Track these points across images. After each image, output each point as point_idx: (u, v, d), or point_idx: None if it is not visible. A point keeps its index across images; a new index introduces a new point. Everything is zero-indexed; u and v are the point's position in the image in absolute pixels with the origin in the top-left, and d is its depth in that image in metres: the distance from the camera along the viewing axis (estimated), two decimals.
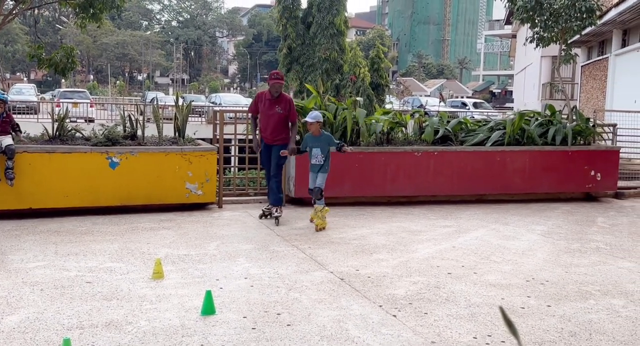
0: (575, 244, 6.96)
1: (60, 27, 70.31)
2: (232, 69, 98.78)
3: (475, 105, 36.51)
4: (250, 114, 8.14)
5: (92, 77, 78.19)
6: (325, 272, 5.57)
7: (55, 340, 3.88)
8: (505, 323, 1.19)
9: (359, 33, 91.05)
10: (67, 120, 8.80)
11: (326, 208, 7.36)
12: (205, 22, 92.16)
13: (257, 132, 7.88)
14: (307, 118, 7.38)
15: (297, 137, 8.21)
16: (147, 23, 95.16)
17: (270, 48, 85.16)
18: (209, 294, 4.43)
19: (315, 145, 7.33)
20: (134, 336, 3.96)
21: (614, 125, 11.36)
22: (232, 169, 10.35)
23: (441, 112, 11.93)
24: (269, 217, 7.84)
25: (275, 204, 7.74)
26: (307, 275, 5.45)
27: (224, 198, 8.88)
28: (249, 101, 36.22)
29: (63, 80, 46.38)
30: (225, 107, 29.02)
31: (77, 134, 8.61)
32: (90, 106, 27.47)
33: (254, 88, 76.25)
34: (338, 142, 7.55)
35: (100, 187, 7.92)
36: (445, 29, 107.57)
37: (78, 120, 22.88)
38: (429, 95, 50.84)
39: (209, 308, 4.39)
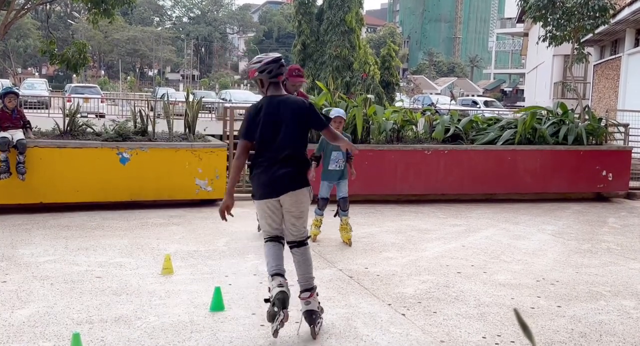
0: (586, 244, 6.91)
1: (72, 22, 70.58)
2: (243, 65, 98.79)
3: (486, 103, 36.34)
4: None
5: (103, 72, 78.52)
6: (334, 270, 5.56)
7: (65, 334, 3.89)
8: (520, 326, 1.17)
9: (369, 30, 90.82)
10: (78, 115, 8.84)
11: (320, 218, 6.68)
12: (216, 18, 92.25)
13: None
14: (338, 114, 6.33)
15: None
16: (158, 19, 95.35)
17: (280, 45, 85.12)
18: (218, 290, 4.44)
19: (335, 148, 6.31)
20: (143, 332, 3.97)
21: (626, 125, 11.27)
22: None
23: (452, 111, 11.88)
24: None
25: None
26: (316, 273, 5.42)
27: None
28: (258, 97, 36.22)
29: (74, 76, 46.61)
30: (236, 103, 29.05)
31: (88, 129, 8.65)
32: (101, 101, 27.53)
33: None
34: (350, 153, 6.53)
35: (111, 182, 7.95)
36: (456, 26, 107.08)
37: (89, 115, 22.97)
38: (439, 93, 50.67)
39: (218, 305, 4.40)
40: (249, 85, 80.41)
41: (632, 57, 18.90)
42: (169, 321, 4.16)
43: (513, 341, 3.99)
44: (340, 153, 6.41)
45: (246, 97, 34.82)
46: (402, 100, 23.80)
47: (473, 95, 51.58)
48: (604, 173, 9.86)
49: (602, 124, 10.49)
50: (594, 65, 24.14)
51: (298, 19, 29.77)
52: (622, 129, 11.19)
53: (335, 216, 6.56)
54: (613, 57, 21.34)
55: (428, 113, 10.34)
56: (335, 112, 6.46)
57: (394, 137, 9.54)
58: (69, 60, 10.57)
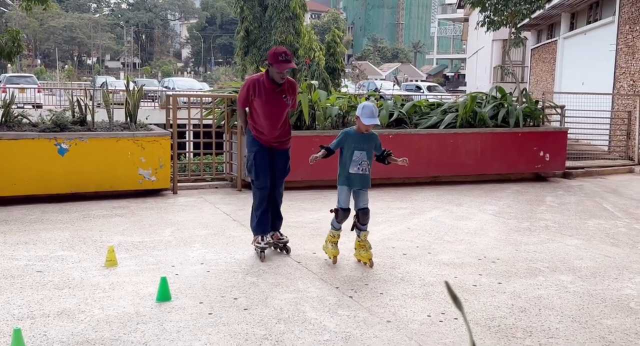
0: (525, 223, 7.15)
1: (5, 10, 67.74)
2: (186, 52, 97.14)
3: (429, 88, 36.95)
4: (240, 109, 5.81)
5: (39, 61, 75.78)
6: (282, 256, 5.57)
7: (6, 330, 3.78)
8: (450, 297, 1.22)
9: (313, 16, 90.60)
10: (14, 106, 8.53)
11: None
12: (157, 4, 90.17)
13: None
14: (372, 121, 5.10)
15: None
16: (95, 5, 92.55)
17: (224, 31, 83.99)
18: (164, 280, 4.39)
19: (359, 147, 5.16)
20: (87, 325, 3.90)
21: (562, 107, 11.66)
22: (187, 154, 10.21)
23: (395, 96, 12.02)
24: (281, 249, 5.74)
25: (279, 228, 5.86)
26: (264, 259, 5.45)
27: (179, 184, 8.78)
28: (202, 85, 35.68)
29: (9, 65, 44.80)
30: (179, 91, 28.57)
31: (24, 120, 8.36)
32: (38, 91, 26.68)
33: (208, 72, 75.25)
34: (384, 149, 5.39)
35: (50, 174, 7.72)
36: (399, 12, 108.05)
37: (25, 106, 22.20)
38: (384, 79, 51.17)
39: (164, 295, 4.35)
40: (192, 72, 79.15)
41: (567, 41, 19.52)
42: (114, 314, 4.10)
43: (456, 318, 4.11)
44: (364, 154, 5.16)
45: (190, 84, 34.33)
46: (347, 86, 23.91)
47: (417, 81, 52.34)
48: (542, 153, 10.20)
49: (539, 106, 10.82)
50: (531, 49, 24.82)
51: (240, 4, 29.35)
52: (558, 111, 11.58)
53: (352, 230, 5.38)
54: (549, 40, 21.98)
55: (372, 98, 10.44)
56: (366, 115, 5.11)
57: (340, 122, 9.59)
58: (2, 49, 10.12)
